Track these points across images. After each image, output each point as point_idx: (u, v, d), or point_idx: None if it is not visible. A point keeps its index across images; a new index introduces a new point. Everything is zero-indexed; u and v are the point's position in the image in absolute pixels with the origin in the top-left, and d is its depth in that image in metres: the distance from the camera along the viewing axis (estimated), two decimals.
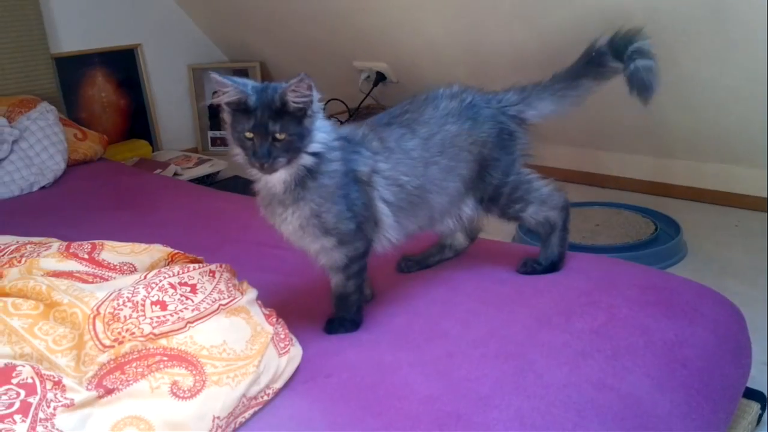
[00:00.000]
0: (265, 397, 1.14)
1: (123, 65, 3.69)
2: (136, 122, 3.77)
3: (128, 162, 3.40)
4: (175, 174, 3.29)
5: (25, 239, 1.50)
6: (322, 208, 1.28)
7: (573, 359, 1.18)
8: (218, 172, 3.48)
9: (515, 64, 2.81)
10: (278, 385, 1.17)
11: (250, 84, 1.21)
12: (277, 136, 1.19)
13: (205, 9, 3.77)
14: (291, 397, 1.16)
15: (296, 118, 1.20)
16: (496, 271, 1.54)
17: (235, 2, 3.51)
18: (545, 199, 1.51)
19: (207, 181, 3.37)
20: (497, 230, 2.54)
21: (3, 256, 1.41)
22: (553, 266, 1.51)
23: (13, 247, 1.43)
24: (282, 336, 1.23)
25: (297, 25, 3.37)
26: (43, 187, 2.70)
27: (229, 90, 1.19)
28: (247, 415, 1.11)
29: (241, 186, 3.18)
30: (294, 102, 1.19)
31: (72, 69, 3.51)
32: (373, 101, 3.52)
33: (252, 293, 1.27)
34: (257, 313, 1.23)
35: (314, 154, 1.25)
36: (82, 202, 2.51)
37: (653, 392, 1.11)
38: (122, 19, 3.64)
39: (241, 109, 1.20)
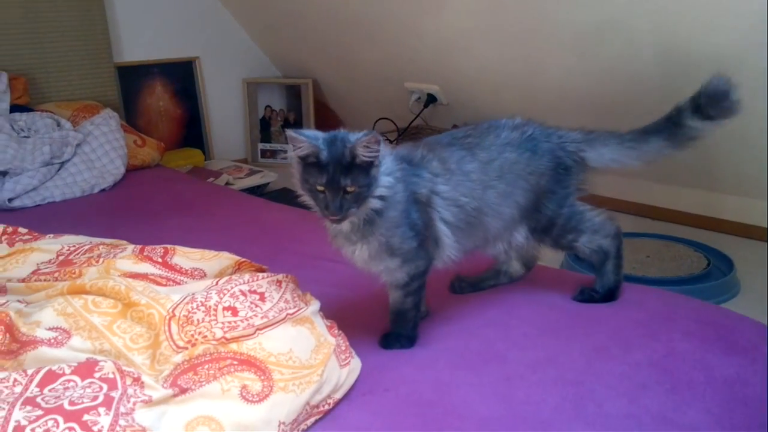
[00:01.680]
0: (326, 407, 1.17)
1: (181, 76, 3.80)
2: (190, 131, 3.88)
3: (182, 169, 3.49)
4: (227, 183, 3.37)
5: (97, 240, 1.56)
6: (389, 236, 1.32)
7: (632, 390, 1.18)
8: (268, 184, 3.55)
9: (565, 95, 2.83)
10: (338, 395, 1.19)
11: (321, 137, 1.24)
12: (348, 189, 1.22)
13: (261, 25, 3.87)
14: (351, 408, 1.18)
15: (365, 170, 1.23)
16: (549, 297, 1.55)
17: (291, 19, 3.60)
18: (597, 228, 1.52)
19: (257, 191, 3.44)
20: (545, 256, 2.55)
21: (78, 255, 1.47)
22: (611, 294, 1.51)
23: (86, 247, 1.49)
24: (343, 348, 1.26)
25: (350, 45, 3.44)
26: (103, 190, 2.79)
27: (303, 145, 1.22)
28: (309, 422, 1.13)
29: (291, 198, 3.25)
30: (363, 156, 1.22)
31: (133, 78, 3.63)
32: (423, 122, 3.56)
33: (315, 304, 1.30)
34: (320, 324, 1.26)
35: (380, 198, 1.28)
36: (141, 205, 2.59)
37: (713, 428, 1.11)
38: (182, 32, 3.75)
39: (311, 162, 1.23)
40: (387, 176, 1.29)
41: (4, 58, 3.08)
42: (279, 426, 1.07)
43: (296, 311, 1.22)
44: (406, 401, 1.18)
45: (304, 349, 1.18)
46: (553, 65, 2.72)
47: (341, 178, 1.21)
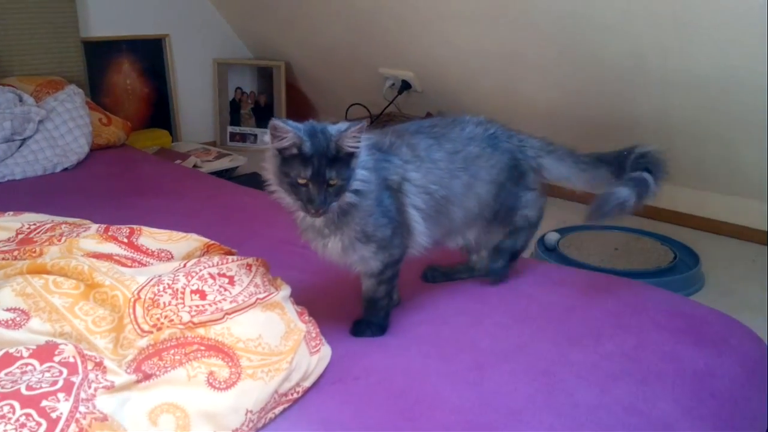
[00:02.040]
0: (295, 395, 1.14)
1: (149, 54, 3.71)
2: (158, 111, 3.79)
3: (149, 150, 3.41)
4: (195, 166, 3.30)
5: (60, 219, 1.51)
6: (363, 225, 1.29)
7: (603, 381, 1.18)
8: (237, 168, 3.49)
9: (544, 85, 2.82)
10: (308, 383, 1.17)
11: (302, 128, 1.20)
12: (332, 182, 1.19)
13: (234, 4, 3.79)
14: (320, 396, 1.16)
15: (347, 162, 1.21)
16: (520, 287, 1.54)
17: (265, 1, 3.53)
18: (529, 204, 1.53)
19: (225, 175, 3.38)
20: None
21: (39, 233, 1.42)
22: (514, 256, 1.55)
23: (48, 225, 1.44)
24: (313, 335, 1.24)
25: (324, 28, 3.39)
26: (65, 169, 2.71)
27: (288, 135, 1.18)
28: (277, 411, 1.11)
29: (260, 183, 3.19)
30: (349, 147, 1.19)
31: (99, 54, 3.53)
32: (396, 110, 3.53)
33: (286, 290, 1.27)
34: (291, 310, 1.24)
35: (355, 191, 1.25)
36: (105, 186, 2.52)
37: (682, 420, 1.11)
38: (152, 8, 3.66)
39: (292, 154, 1.19)
40: (363, 169, 1.26)
41: None
42: (246, 414, 1.04)
43: (266, 296, 1.19)
44: (376, 390, 1.16)
45: (273, 336, 1.15)
46: (531, 54, 2.71)
47: (326, 170, 1.18)
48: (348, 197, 1.24)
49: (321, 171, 1.17)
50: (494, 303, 1.46)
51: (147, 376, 1.00)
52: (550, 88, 2.83)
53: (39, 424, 0.84)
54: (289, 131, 1.18)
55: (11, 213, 1.53)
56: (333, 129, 1.21)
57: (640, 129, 2.72)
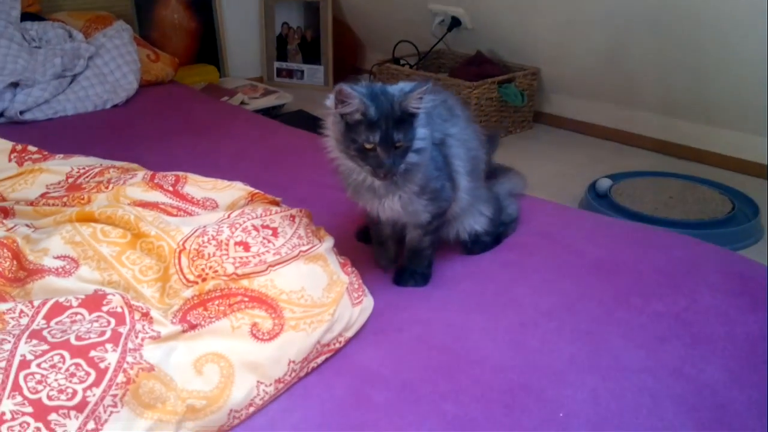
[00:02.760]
0: (337, 345, 1.15)
1: None
2: (205, 47, 3.76)
3: (196, 86, 3.41)
4: (242, 103, 3.29)
5: (108, 162, 1.52)
6: (422, 181, 1.27)
7: (650, 343, 1.15)
8: (283, 105, 3.47)
9: (598, 17, 2.69)
10: (350, 333, 1.18)
11: (364, 91, 1.16)
12: (398, 144, 1.16)
13: None
14: (362, 346, 1.17)
15: (410, 122, 1.18)
16: (568, 239, 1.50)
17: None
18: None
19: (272, 112, 3.36)
20: (565, 196, 2.49)
21: (88, 178, 1.44)
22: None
23: (96, 170, 1.46)
24: (356, 286, 1.24)
25: None
26: (115, 105, 2.73)
27: (354, 101, 1.14)
28: (319, 360, 1.12)
29: (306, 121, 3.18)
30: (414, 109, 1.17)
31: None
32: (445, 47, 3.43)
33: (329, 241, 1.27)
34: (334, 262, 1.23)
35: (417, 151, 1.22)
36: (155, 123, 2.53)
37: (731, 386, 1.09)
38: None
39: (357, 120, 1.16)
40: (422, 128, 1.23)
41: None
42: (289, 364, 1.06)
43: (309, 248, 1.19)
44: (418, 342, 1.16)
45: (316, 287, 1.15)
46: None
47: (394, 133, 1.16)
48: (411, 157, 1.22)
49: (389, 134, 1.15)
50: (539, 257, 1.43)
51: (192, 326, 1.02)
52: (601, 30, 2.69)
53: (88, 374, 0.87)
54: (356, 97, 1.15)
55: (61, 156, 1.55)
56: (395, 90, 1.18)
57: (705, 72, 2.59)
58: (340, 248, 1.33)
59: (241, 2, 3.83)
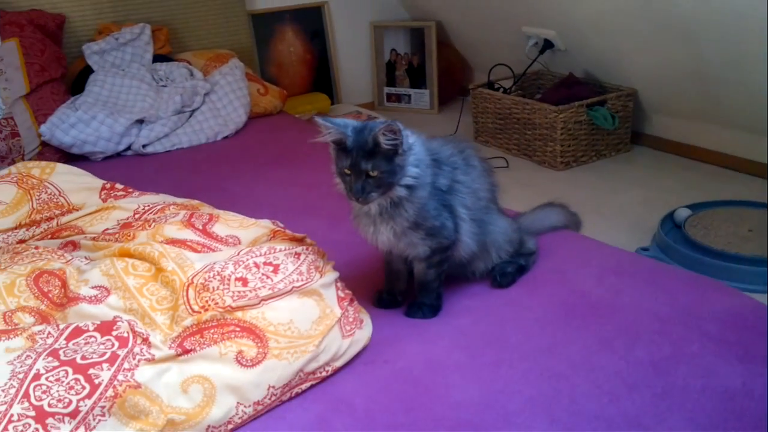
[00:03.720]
0: (324, 373, 1.28)
1: (310, 21, 3.95)
2: (320, 76, 4.04)
3: (306, 115, 3.68)
4: None
5: (171, 199, 1.76)
6: (414, 215, 1.38)
7: (617, 390, 1.16)
8: None
9: (687, 40, 2.58)
10: (338, 363, 1.30)
11: (350, 125, 1.33)
12: (370, 173, 1.30)
13: None
14: (346, 376, 1.29)
15: (387, 157, 1.31)
16: (576, 279, 1.52)
17: None
18: None
19: None
20: (642, 223, 2.43)
21: (151, 215, 1.68)
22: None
23: (159, 207, 1.70)
24: (351, 319, 1.36)
25: None
26: (225, 137, 3.04)
27: (330, 131, 1.32)
28: (304, 386, 1.26)
29: None
30: (385, 144, 1.29)
31: (265, 25, 3.84)
32: (543, 67, 3.42)
33: (331, 276, 1.40)
34: (330, 296, 1.36)
35: (406, 186, 1.35)
36: (253, 154, 2.80)
37: None
38: None
39: (341, 147, 1.33)
40: (415, 167, 1.35)
41: (148, 9, 3.39)
42: (269, 389, 1.20)
43: (303, 284, 1.33)
44: (396, 375, 1.26)
45: (304, 320, 1.28)
46: (670, 10, 2.49)
47: (363, 162, 1.30)
48: (398, 191, 1.35)
49: (358, 162, 1.30)
50: (545, 294, 1.47)
51: (186, 351, 1.20)
52: (691, 49, 2.58)
53: (84, 388, 1.07)
54: (330, 127, 1.32)
55: (137, 193, 1.82)
56: (375, 126, 1.31)
57: None
58: (363, 281, 1.52)
59: (352, 32, 4.07)
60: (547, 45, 3.22)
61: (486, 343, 1.33)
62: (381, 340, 1.38)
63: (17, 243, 1.65)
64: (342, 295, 1.40)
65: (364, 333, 1.37)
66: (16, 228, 1.71)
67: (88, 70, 3.10)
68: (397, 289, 1.55)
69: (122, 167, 2.69)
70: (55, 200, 1.78)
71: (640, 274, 1.51)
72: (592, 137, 3.08)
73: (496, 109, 3.30)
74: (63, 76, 3.08)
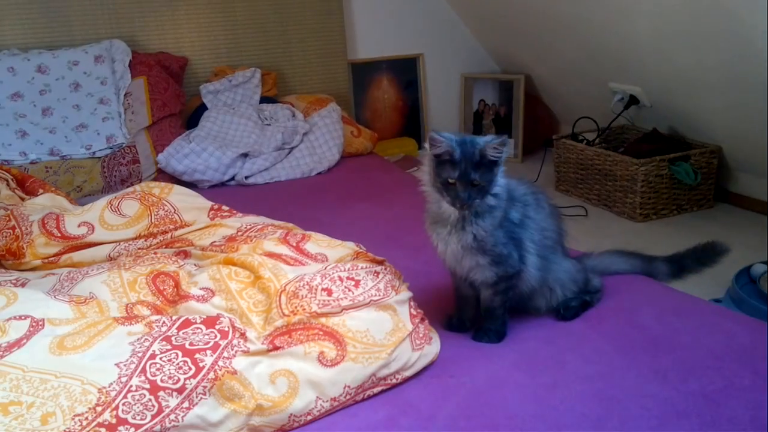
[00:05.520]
0: (394, 381, 1.42)
1: (405, 71, 4.19)
2: (410, 122, 4.27)
3: (394, 157, 3.89)
4: None
5: (270, 221, 1.97)
6: (486, 234, 1.51)
7: (667, 416, 1.24)
8: None
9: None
10: (408, 373, 1.44)
11: (453, 138, 1.48)
12: (475, 183, 1.46)
13: (482, 23, 4.09)
14: (414, 385, 1.42)
15: (489, 167, 1.46)
16: (640, 317, 1.60)
17: (509, 19, 3.75)
18: None
19: None
20: (719, 277, 2.44)
21: (252, 232, 1.89)
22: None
23: (259, 227, 1.91)
24: (421, 335, 1.50)
25: (560, 44, 3.50)
26: (319, 173, 3.28)
27: (441, 144, 1.47)
28: (375, 390, 1.40)
29: None
30: (491, 156, 1.45)
31: (363, 73, 4.11)
32: (627, 122, 3.50)
33: (405, 295, 1.55)
34: (403, 312, 1.51)
35: (495, 195, 1.50)
36: (344, 189, 3.01)
37: None
38: (409, 30, 4.13)
39: (445, 160, 1.48)
40: (502, 178, 1.52)
41: (260, 55, 3.73)
42: (344, 388, 1.35)
43: (380, 299, 1.48)
44: (459, 387, 1.39)
45: (379, 330, 1.44)
46: (756, 70, 2.54)
47: (471, 172, 1.45)
48: (489, 199, 1.50)
49: (467, 173, 1.45)
50: (604, 329, 1.55)
51: (276, 348, 1.37)
52: None
53: (190, 368, 1.26)
54: (443, 141, 1.47)
55: (240, 215, 2.05)
56: (480, 140, 1.47)
57: None
58: (440, 303, 1.68)
59: (444, 82, 4.28)
60: (633, 100, 3.30)
61: (545, 366, 1.43)
62: (448, 358, 1.51)
63: (146, 251, 1.89)
64: (414, 312, 1.54)
65: (432, 349, 1.50)
66: (135, 238, 1.96)
67: (203, 107, 3.43)
68: (465, 315, 1.68)
69: (226, 195, 2.95)
70: (170, 217, 2.02)
71: (701, 316, 1.57)
72: (674, 192, 3.12)
73: (578, 160, 3.39)
74: (181, 111, 3.44)
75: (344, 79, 3.95)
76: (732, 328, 1.50)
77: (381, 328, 1.44)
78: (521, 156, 4.14)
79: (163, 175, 3.09)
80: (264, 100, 3.57)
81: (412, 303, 1.56)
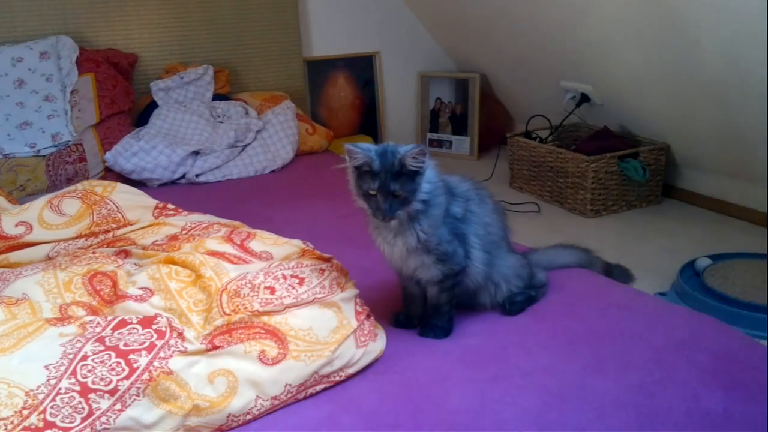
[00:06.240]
0: (337, 378, 1.40)
1: (361, 69, 4.17)
2: (366, 120, 4.25)
3: None
4: None
5: (216, 219, 1.94)
6: (428, 234, 1.50)
7: (605, 408, 1.25)
8: None
9: (715, 96, 2.67)
10: (351, 370, 1.42)
11: (373, 149, 1.46)
12: (396, 193, 1.43)
13: (438, 22, 4.10)
14: (358, 382, 1.41)
15: (410, 177, 1.44)
16: (584, 311, 1.61)
17: (464, 19, 3.77)
18: None
19: None
20: (666, 270, 2.49)
21: (197, 231, 1.86)
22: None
23: (203, 225, 1.87)
24: (366, 332, 1.48)
25: (512, 42, 3.53)
26: (272, 171, 3.23)
27: (358, 156, 1.45)
28: (318, 388, 1.38)
29: None
30: (411, 166, 1.43)
31: (319, 71, 4.08)
32: (579, 120, 3.54)
33: (350, 292, 1.53)
34: (348, 309, 1.49)
35: (422, 201, 1.48)
36: (297, 187, 2.98)
37: None
38: (365, 28, 4.11)
39: (365, 171, 1.45)
40: (427, 183, 1.49)
41: (212, 52, 3.65)
42: (285, 386, 1.33)
43: (324, 296, 1.47)
44: (403, 384, 1.38)
45: (323, 328, 1.42)
46: (701, 71, 2.60)
47: (391, 183, 1.43)
48: (415, 206, 1.48)
49: (386, 183, 1.43)
50: (546, 323, 1.56)
51: (215, 347, 1.34)
52: (720, 106, 2.66)
53: (123, 369, 1.22)
54: (360, 153, 1.45)
55: (186, 213, 2.01)
56: (401, 149, 1.45)
57: None
58: (390, 300, 1.66)
59: (400, 81, 4.28)
60: (584, 99, 3.34)
61: (488, 360, 1.43)
62: (393, 354, 1.50)
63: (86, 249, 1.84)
64: (360, 309, 1.52)
65: (377, 345, 1.49)
66: (76, 238, 1.90)
67: (153, 105, 3.36)
68: (413, 312, 1.67)
69: (176, 193, 2.89)
70: (113, 215, 1.97)
71: (643, 309, 1.59)
72: (623, 188, 3.17)
73: (531, 157, 3.42)
74: (130, 109, 3.36)
75: (300, 77, 3.91)
76: (673, 321, 1.52)
77: (325, 325, 1.43)
78: (477, 153, 4.16)
79: (111, 174, 3.02)
80: (217, 97, 3.51)
81: (357, 300, 1.54)
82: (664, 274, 2.50)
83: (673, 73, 2.75)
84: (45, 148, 3.01)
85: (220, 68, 3.60)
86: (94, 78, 3.23)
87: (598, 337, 1.48)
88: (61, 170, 2.97)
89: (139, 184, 3.00)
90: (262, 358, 1.34)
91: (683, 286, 2.26)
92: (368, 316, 1.53)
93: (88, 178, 2.97)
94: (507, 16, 3.34)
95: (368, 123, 4.25)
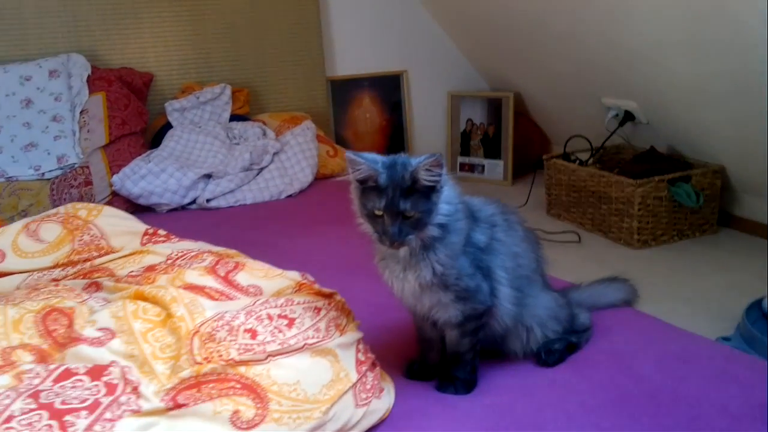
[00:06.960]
0: None
1: (388, 89, 3.96)
2: (393, 141, 4.02)
3: None
4: None
5: (208, 247, 1.70)
6: (446, 267, 1.24)
7: None
8: None
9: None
10: None
11: (380, 160, 1.21)
12: (407, 214, 1.18)
13: (469, 39, 3.87)
14: None
15: (425, 194, 1.19)
16: (641, 360, 1.33)
17: (497, 34, 3.54)
18: None
19: None
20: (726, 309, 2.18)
21: (185, 260, 1.62)
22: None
23: (192, 254, 1.64)
24: (368, 386, 1.22)
25: (549, 56, 3.29)
26: (289, 196, 3.02)
27: (361, 167, 1.20)
28: None
29: None
30: (425, 180, 1.18)
31: (343, 90, 3.88)
32: (623, 140, 3.25)
33: (352, 336, 1.27)
34: (347, 358, 1.23)
35: (439, 225, 1.22)
36: (313, 213, 2.76)
37: None
38: (393, 46, 3.91)
39: (370, 186, 1.20)
40: (447, 204, 1.23)
41: (231, 71, 3.49)
42: None
43: (317, 342, 1.21)
44: None
45: (314, 383, 1.16)
46: (762, 80, 2.30)
47: (400, 202, 1.18)
48: (431, 230, 1.22)
49: (395, 202, 1.17)
50: (592, 378, 1.29)
51: (178, 406, 1.09)
52: None
53: None
54: (362, 164, 1.20)
55: (176, 239, 1.78)
56: (413, 161, 1.20)
57: None
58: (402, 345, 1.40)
59: (429, 101, 4.05)
60: (628, 117, 3.07)
61: (521, 425, 1.16)
62: (403, 415, 1.24)
63: (50, 281, 1.62)
64: (362, 358, 1.27)
65: (382, 403, 1.23)
66: (53, 267, 1.69)
67: (168, 126, 3.19)
68: (430, 361, 1.40)
69: (185, 219, 2.70)
70: (96, 242, 1.76)
71: (710, 361, 1.30)
72: (674, 215, 2.86)
73: (571, 182, 3.14)
74: (143, 130, 3.19)
75: (323, 97, 3.72)
76: (747, 376, 1.23)
77: (316, 379, 1.17)
78: (511, 178, 3.88)
79: (118, 198, 2.86)
80: (235, 118, 3.33)
81: (360, 346, 1.29)
82: (724, 315, 2.20)
83: (729, 85, 2.47)
84: (50, 170, 2.87)
85: (239, 88, 3.43)
86: (105, 97, 3.08)
87: (657, 397, 1.19)
88: (65, 194, 2.82)
89: (148, 210, 2.83)
90: (235, 421, 1.09)
91: (751, 330, 1.94)
92: (373, 366, 1.27)
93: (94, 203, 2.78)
94: (542, 28, 3.09)
95: (395, 145, 4.01)
